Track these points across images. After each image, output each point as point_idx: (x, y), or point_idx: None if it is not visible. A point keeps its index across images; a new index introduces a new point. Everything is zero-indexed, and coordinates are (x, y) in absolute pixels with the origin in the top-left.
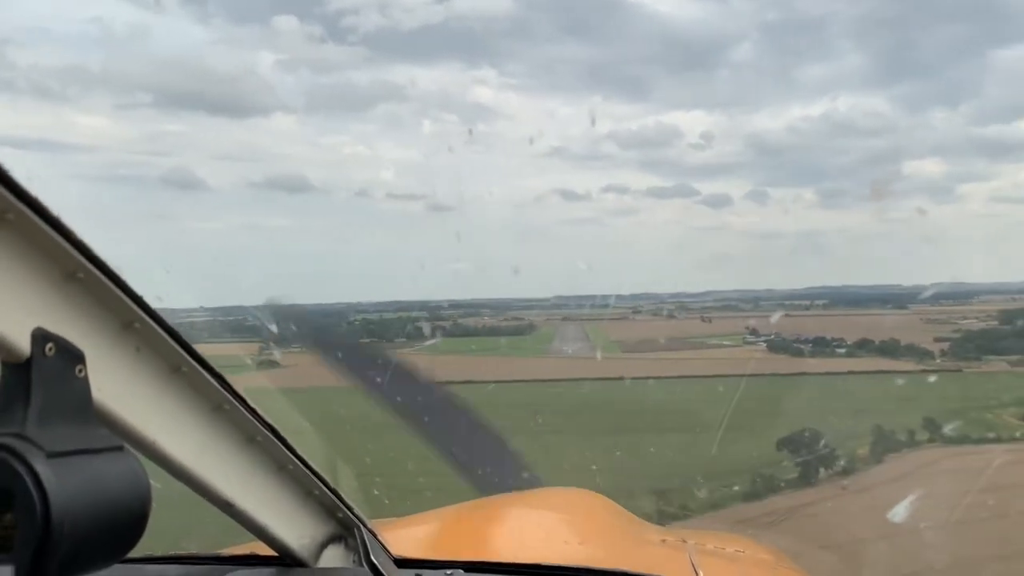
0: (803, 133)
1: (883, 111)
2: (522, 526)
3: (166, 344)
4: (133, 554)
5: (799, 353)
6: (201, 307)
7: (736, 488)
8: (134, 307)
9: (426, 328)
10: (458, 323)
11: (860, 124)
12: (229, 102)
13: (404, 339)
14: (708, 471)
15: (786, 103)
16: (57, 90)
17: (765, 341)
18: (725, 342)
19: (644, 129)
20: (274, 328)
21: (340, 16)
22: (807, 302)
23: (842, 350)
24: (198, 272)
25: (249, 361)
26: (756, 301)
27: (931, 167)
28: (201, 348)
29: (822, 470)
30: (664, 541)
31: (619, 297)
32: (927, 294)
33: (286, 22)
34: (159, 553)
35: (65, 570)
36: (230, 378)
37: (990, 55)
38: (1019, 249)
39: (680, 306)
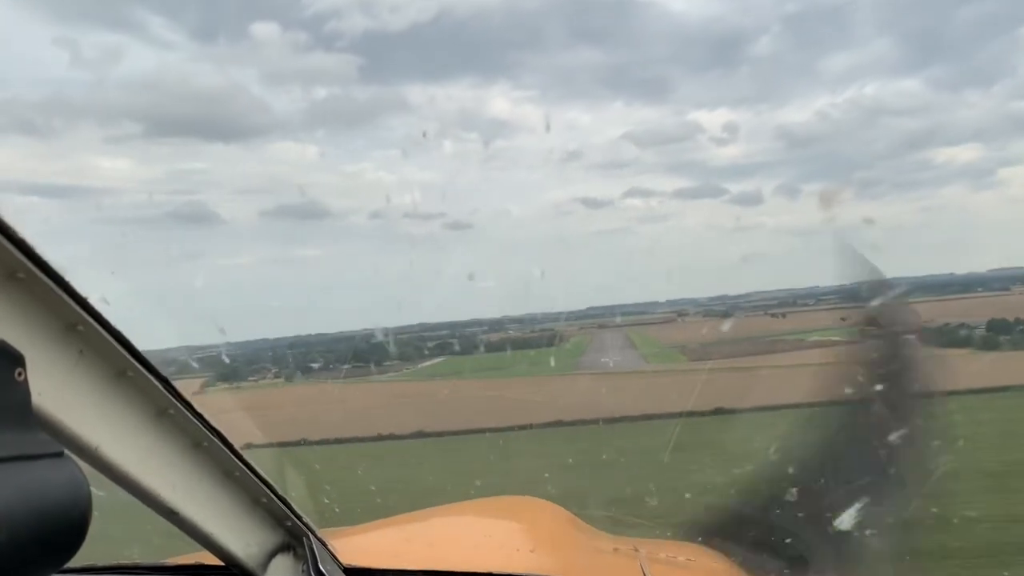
0: (833, 121)
1: (914, 93)
2: (474, 534)
3: (111, 347)
4: (73, 564)
5: (967, 342)
6: (227, 343)
7: None
8: (78, 309)
9: (430, 347)
10: (479, 340)
11: (890, 107)
12: (221, 124)
13: (399, 361)
14: None
15: (812, 95)
16: (42, 124)
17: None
18: (833, 336)
19: (667, 130)
20: None
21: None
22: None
23: None
24: (221, 308)
25: None
26: (816, 297)
27: (967, 153)
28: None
29: None
30: (616, 550)
31: (655, 304)
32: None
33: (266, 30)
34: (101, 563)
35: None
36: (175, 382)
37: (1021, 31)
38: None
39: (731, 307)
